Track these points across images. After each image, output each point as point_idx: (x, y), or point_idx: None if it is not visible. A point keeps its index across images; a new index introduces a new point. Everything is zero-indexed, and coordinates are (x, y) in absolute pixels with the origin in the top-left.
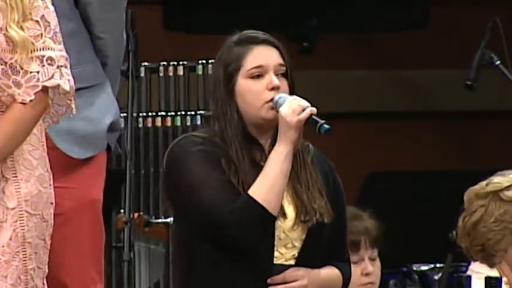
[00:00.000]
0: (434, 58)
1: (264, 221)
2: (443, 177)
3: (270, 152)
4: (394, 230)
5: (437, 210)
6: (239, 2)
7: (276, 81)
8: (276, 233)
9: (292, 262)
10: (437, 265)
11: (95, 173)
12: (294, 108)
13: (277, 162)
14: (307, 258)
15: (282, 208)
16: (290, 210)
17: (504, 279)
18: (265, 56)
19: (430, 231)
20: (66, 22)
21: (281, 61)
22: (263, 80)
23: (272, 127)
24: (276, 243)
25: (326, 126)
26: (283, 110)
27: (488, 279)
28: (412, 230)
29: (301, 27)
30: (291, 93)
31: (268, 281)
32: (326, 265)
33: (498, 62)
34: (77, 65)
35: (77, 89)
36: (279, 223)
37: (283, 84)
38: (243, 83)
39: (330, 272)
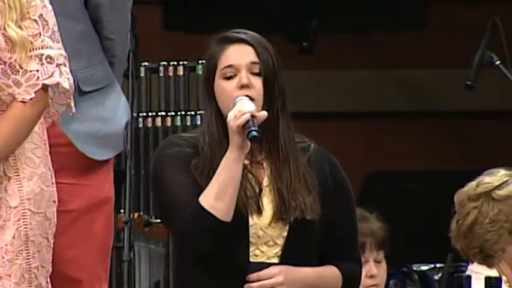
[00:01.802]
0: (434, 58)
1: (213, 228)
2: (443, 177)
3: (257, 149)
4: (394, 230)
5: (438, 210)
6: (239, 2)
7: (244, 79)
8: (253, 231)
9: (276, 260)
10: (437, 265)
11: (108, 171)
12: (235, 113)
13: (225, 167)
14: (292, 256)
15: (258, 205)
16: (269, 208)
17: (504, 278)
18: (236, 55)
19: (430, 231)
20: (76, 24)
21: (254, 59)
22: (236, 79)
23: None
24: (254, 241)
25: (253, 133)
26: (229, 115)
27: (488, 279)
28: (412, 230)
29: (301, 27)
30: (269, 91)
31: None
32: (326, 264)
33: (498, 62)
34: (88, 67)
35: (89, 92)
36: (255, 220)
37: (257, 82)
38: (218, 83)
39: (324, 271)
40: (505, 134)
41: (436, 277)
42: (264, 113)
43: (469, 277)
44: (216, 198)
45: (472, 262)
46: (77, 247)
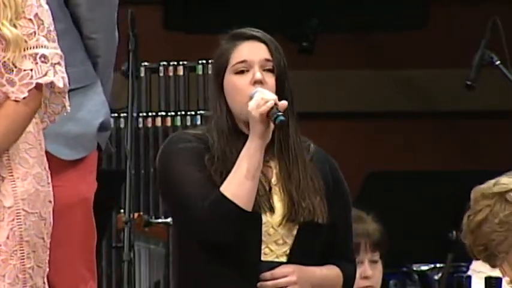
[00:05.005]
0: (434, 58)
1: (235, 216)
2: (443, 177)
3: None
4: (394, 230)
5: (437, 210)
6: (239, 2)
7: (258, 75)
8: (265, 229)
9: (284, 259)
10: (437, 265)
11: (84, 172)
12: (258, 102)
13: (246, 156)
14: (300, 255)
15: (270, 202)
16: (279, 206)
17: (506, 279)
18: (250, 51)
19: (430, 231)
20: (56, 23)
21: (268, 56)
22: (248, 75)
23: None
24: (265, 239)
25: (281, 118)
26: (250, 105)
27: (488, 279)
28: (412, 230)
29: (301, 27)
30: (281, 89)
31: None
32: (326, 264)
33: (498, 62)
34: (67, 66)
35: (68, 91)
36: (267, 218)
37: (270, 79)
38: (229, 79)
39: (328, 271)
40: (505, 134)
41: (436, 277)
42: (285, 103)
43: (469, 277)
44: (237, 187)
45: (476, 260)
46: (53, 250)
